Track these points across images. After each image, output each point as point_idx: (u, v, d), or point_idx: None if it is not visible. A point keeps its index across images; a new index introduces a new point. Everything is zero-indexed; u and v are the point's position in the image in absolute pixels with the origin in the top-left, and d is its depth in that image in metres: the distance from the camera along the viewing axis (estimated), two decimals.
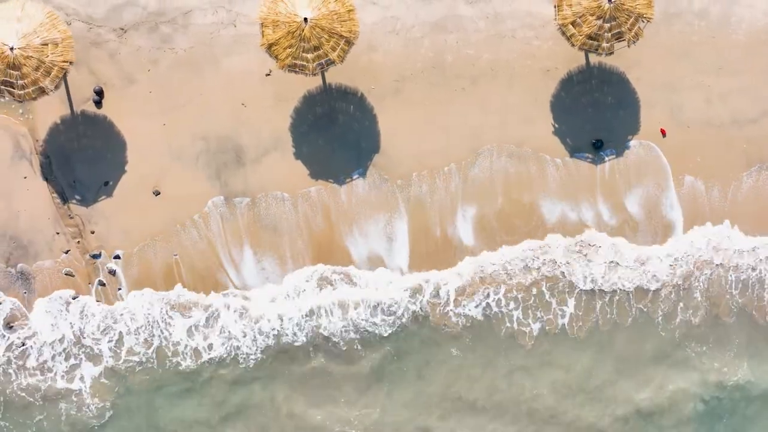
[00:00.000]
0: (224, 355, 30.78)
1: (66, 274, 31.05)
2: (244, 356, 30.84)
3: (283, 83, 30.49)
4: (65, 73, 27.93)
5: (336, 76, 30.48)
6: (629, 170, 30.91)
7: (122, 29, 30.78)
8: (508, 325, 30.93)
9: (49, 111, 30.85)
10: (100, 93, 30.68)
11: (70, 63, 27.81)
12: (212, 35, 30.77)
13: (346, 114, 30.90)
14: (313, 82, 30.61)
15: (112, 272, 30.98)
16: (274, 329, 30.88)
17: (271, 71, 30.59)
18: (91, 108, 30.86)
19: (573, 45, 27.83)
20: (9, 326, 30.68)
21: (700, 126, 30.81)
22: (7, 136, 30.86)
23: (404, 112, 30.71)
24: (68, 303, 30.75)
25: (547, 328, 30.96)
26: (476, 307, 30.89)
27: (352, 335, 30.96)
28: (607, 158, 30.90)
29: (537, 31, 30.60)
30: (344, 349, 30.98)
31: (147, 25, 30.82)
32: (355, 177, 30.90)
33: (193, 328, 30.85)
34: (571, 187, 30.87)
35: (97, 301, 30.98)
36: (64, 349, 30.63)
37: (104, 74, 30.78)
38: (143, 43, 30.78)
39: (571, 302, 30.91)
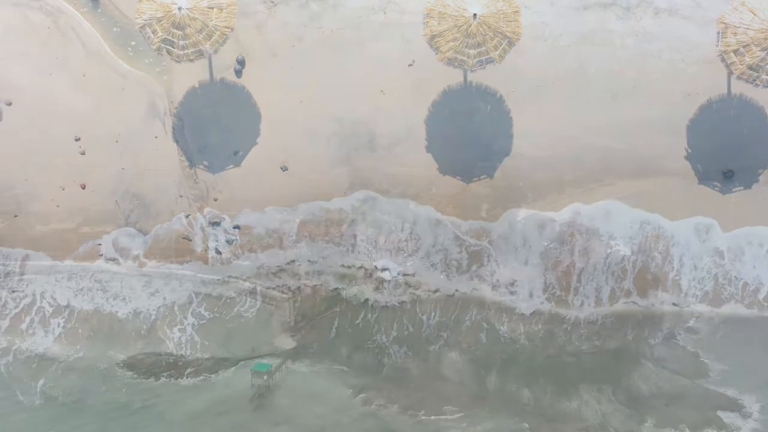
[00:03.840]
0: None
1: (183, 239, 31.08)
2: None
3: (424, 75, 30.45)
4: (225, 39, 27.92)
5: (477, 74, 30.39)
6: (753, 204, 30.77)
7: (272, 2, 30.80)
8: None
9: (188, 74, 30.97)
10: (242, 63, 30.69)
11: (231, 29, 27.85)
12: (360, 19, 30.76)
13: (483, 113, 30.82)
14: (454, 78, 30.54)
15: (230, 242, 30.96)
16: None
17: (414, 62, 30.55)
18: (230, 76, 30.90)
19: (732, 73, 27.68)
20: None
21: None
22: (143, 94, 30.94)
23: (540, 119, 30.57)
24: None
25: None
26: None
27: None
28: (734, 189, 30.78)
29: (684, 55, 30.48)
30: None
31: (297, 1, 30.83)
32: (482, 177, 30.85)
33: None
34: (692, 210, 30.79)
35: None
36: None
37: (248, 45, 30.84)
38: (291, 19, 30.81)
39: None
